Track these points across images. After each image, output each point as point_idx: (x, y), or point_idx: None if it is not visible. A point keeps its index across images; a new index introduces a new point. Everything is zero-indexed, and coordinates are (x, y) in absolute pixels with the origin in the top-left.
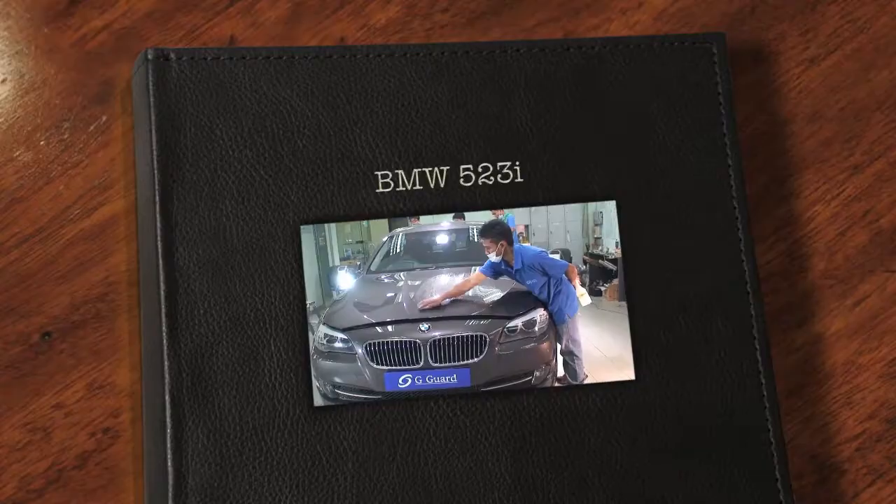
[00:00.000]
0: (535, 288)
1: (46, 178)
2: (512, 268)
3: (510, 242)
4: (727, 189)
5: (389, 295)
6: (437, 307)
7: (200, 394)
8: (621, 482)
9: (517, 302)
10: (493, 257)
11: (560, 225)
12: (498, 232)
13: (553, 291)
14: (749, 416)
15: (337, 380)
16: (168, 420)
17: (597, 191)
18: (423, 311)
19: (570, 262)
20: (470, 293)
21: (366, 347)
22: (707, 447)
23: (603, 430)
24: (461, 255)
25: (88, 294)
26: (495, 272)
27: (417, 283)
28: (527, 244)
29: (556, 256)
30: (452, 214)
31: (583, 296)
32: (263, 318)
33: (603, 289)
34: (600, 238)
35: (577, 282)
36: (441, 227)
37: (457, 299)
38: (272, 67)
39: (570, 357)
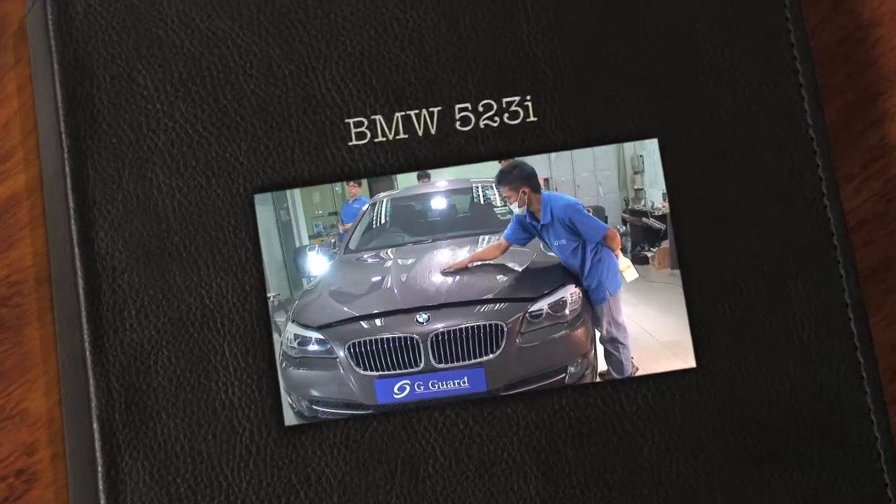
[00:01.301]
0: (562, 252)
1: None
2: (539, 221)
3: (535, 189)
4: (800, 116)
5: (375, 279)
6: (462, 270)
7: (138, 418)
8: (686, 500)
9: (541, 278)
10: (516, 209)
11: (590, 175)
12: (518, 176)
13: (590, 260)
14: (845, 406)
15: (314, 392)
16: (98, 454)
17: (633, 128)
18: (446, 273)
19: (605, 221)
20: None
21: (349, 349)
22: (794, 450)
23: (659, 436)
24: (464, 222)
25: None
26: (524, 232)
27: (410, 261)
28: (557, 193)
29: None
30: (417, 174)
31: (627, 269)
32: (213, 318)
33: (650, 255)
34: (642, 190)
35: (619, 251)
36: (437, 189)
37: (463, 279)
38: None
39: (614, 345)
